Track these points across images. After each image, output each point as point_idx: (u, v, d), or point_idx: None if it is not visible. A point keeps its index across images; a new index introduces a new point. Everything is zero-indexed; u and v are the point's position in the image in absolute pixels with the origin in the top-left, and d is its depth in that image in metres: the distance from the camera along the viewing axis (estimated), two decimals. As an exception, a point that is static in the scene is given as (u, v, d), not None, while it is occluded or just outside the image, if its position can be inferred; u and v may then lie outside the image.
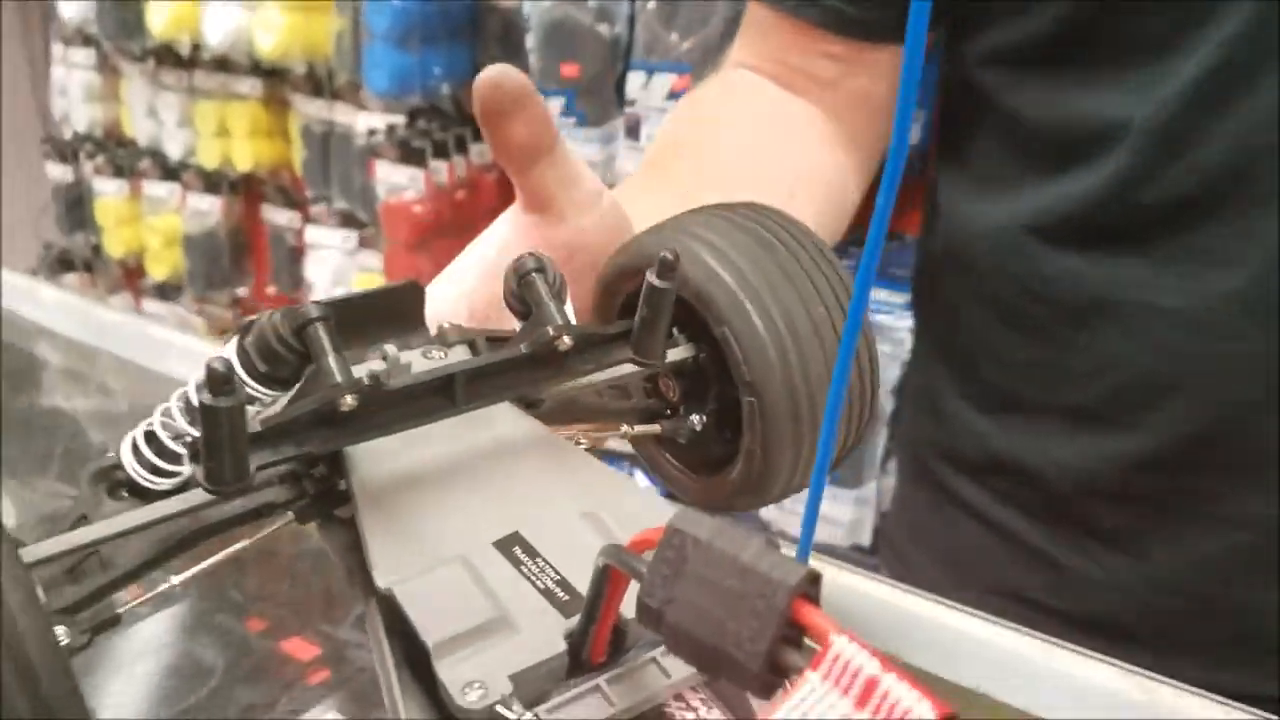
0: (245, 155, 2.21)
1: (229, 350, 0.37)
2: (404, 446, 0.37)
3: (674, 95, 1.49)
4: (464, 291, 0.48)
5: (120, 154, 2.45)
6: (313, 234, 2.20)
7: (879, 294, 1.68)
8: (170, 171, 2.39)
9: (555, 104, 1.59)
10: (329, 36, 1.92)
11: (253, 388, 0.37)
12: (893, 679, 0.21)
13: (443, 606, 0.32)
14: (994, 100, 0.69)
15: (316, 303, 0.36)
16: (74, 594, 0.34)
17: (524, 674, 0.31)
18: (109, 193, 2.46)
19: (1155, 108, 0.61)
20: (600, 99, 1.59)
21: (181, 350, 0.93)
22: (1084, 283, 0.65)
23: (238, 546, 0.37)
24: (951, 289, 0.74)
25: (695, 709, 0.32)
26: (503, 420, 0.39)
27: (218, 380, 0.31)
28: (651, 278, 0.39)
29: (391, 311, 0.39)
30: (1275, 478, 0.61)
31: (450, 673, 0.31)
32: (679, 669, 0.32)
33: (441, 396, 0.38)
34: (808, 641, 0.24)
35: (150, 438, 0.37)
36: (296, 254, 2.26)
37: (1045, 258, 0.66)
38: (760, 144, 0.67)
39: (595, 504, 0.36)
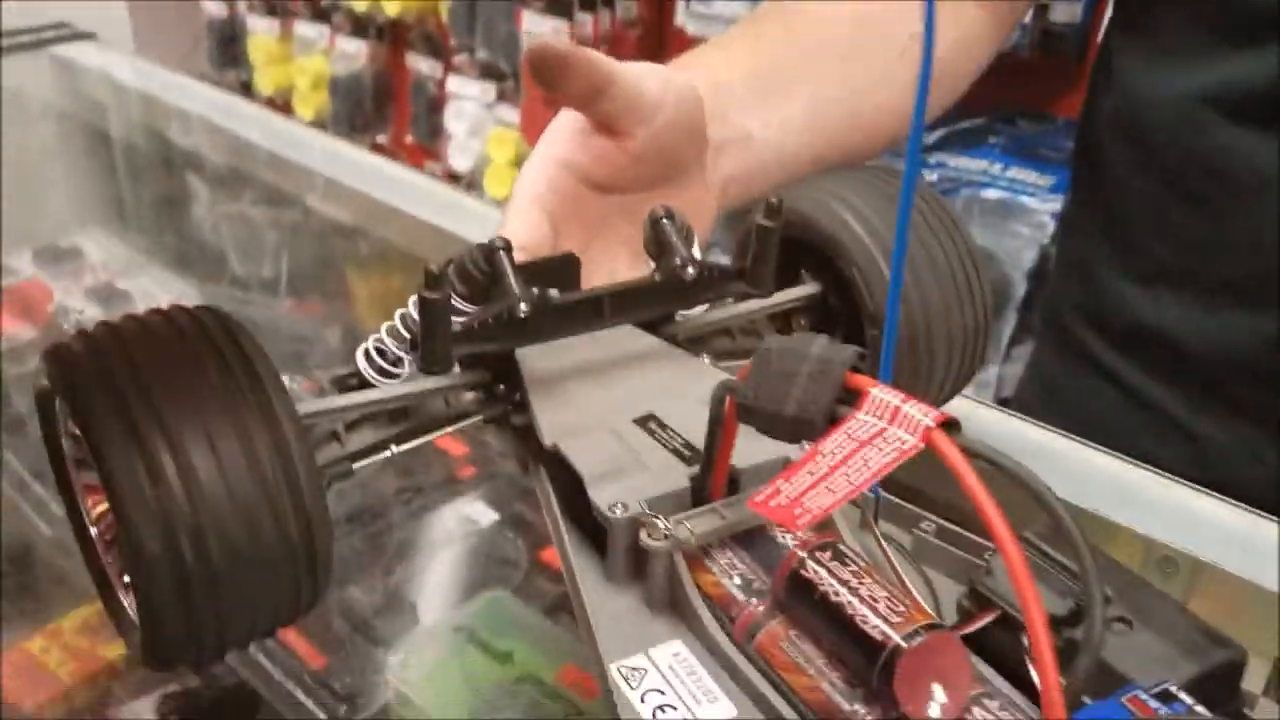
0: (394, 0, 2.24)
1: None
2: (563, 353, 0.45)
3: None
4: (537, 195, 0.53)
5: (273, -7, 2.50)
6: (454, 84, 2.23)
7: (1026, 175, 1.64)
8: (321, 13, 2.43)
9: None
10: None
11: (455, 303, 0.44)
12: (912, 404, 0.28)
13: (594, 457, 0.39)
14: None
15: (502, 237, 0.44)
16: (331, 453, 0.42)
17: (656, 500, 0.37)
18: (261, 30, 2.53)
19: None
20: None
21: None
22: (1257, 160, 0.64)
23: (439, 433, 0.45)
24: (1118, 159, 0.74)
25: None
26: (640, 339, 0.47)
27: (431, 278, 0.39)
28: (759, 219, 0.45)
29: (554, 274, 0.46)
30: None
31: (600, 495, 0.37)
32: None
33: (593, 313, 0.45)
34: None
35: (379, 349, 0.45)
36: (436, 104, 2.31)
37: (1222, 132, 0.66)
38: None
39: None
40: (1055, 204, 1.52)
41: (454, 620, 0.59)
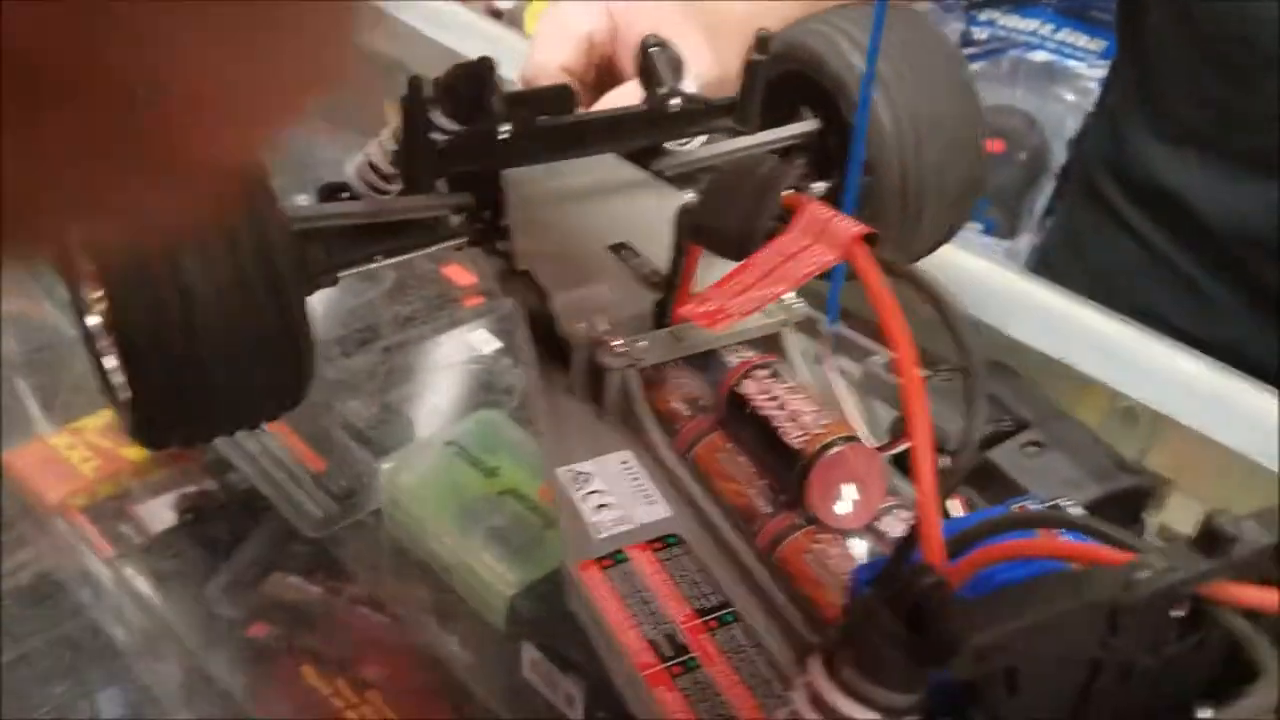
0: None
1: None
2: (548, 179, 0.46)
3: None
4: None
5: None
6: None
7: (1076, 38, 1.58)
8: None
9: None
10: None
11: (443, 122, 0.44)
12: (841, 220, 0.29)
13: (563, 280, 0.41)
14: None
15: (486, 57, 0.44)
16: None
17: (618, 322, 0.39)
18: None
19: None
20: None
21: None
22: None
23: (424, 250, 0.46)
24: (1157, 21, 0.75)
25: (740, 352, 0.38)
26: (625, 171, 0.48)
27: (414, 86, 0.41)
28: (750, 54, 0.45)
29: (548, 102, 0.46)
30: None
31: (564, 315, 0.40)
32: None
33: (576, 139, 0.46)
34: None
35: (371, 164, 0.46)
36: (482, -65, 2.24)
37: (1259, 4, 0.66)
38: None
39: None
40: (1103, 70, 1.47)
41: (446, 435, 0.62)
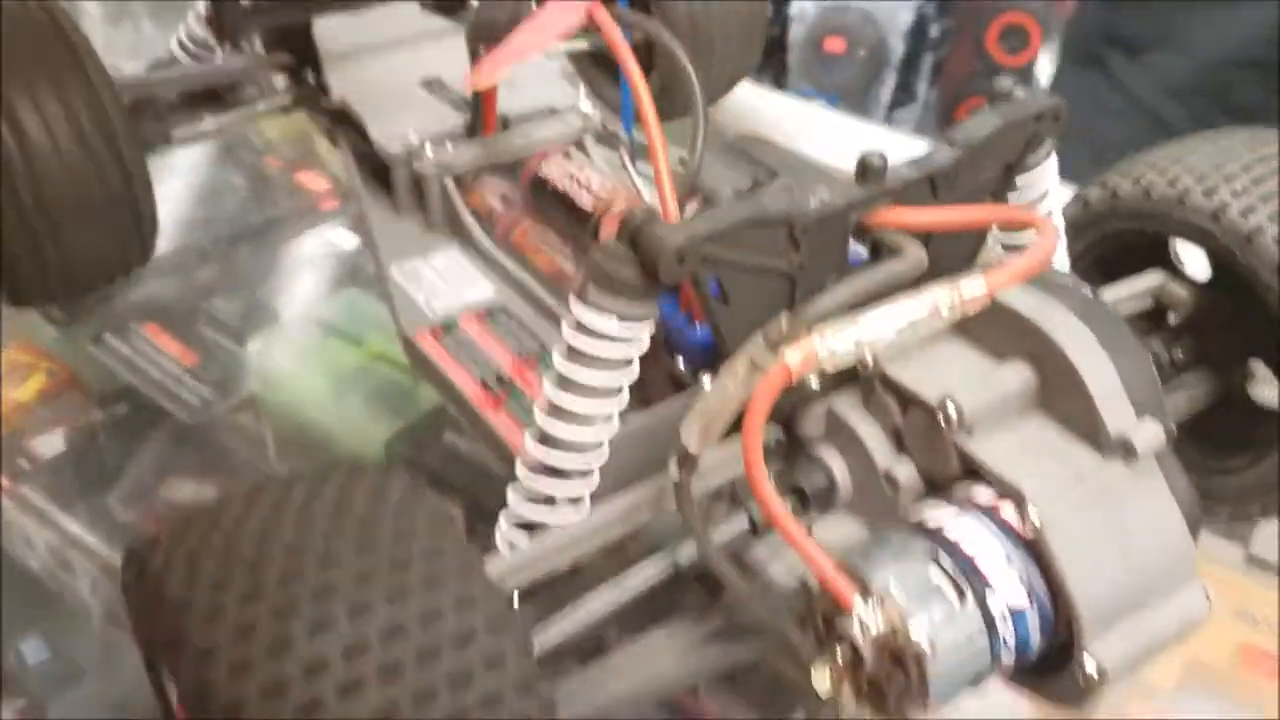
0: None
1: None
2: (359, 31, 0.49)
3: None
4: None
5: None
6: None
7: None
8: None
9: None
10: None
11: None
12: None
13: (380, 110, 0.45)
14: None
15: None
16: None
17: (432, 138, 0.43)
18: None
19: None
20: None
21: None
22: None
23: (256, 108, 0.51)
24: None
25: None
26: (432, 20, 0.51)
27: None
28: None
29: None
30: None
31: (381, 136, 0.44)
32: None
33: None
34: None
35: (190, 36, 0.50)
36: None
37: None
38: None
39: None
40: (909, 16, 1.55)
41: (314, 315, 0.66)
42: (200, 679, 0.22)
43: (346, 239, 0.77)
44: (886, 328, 0.25)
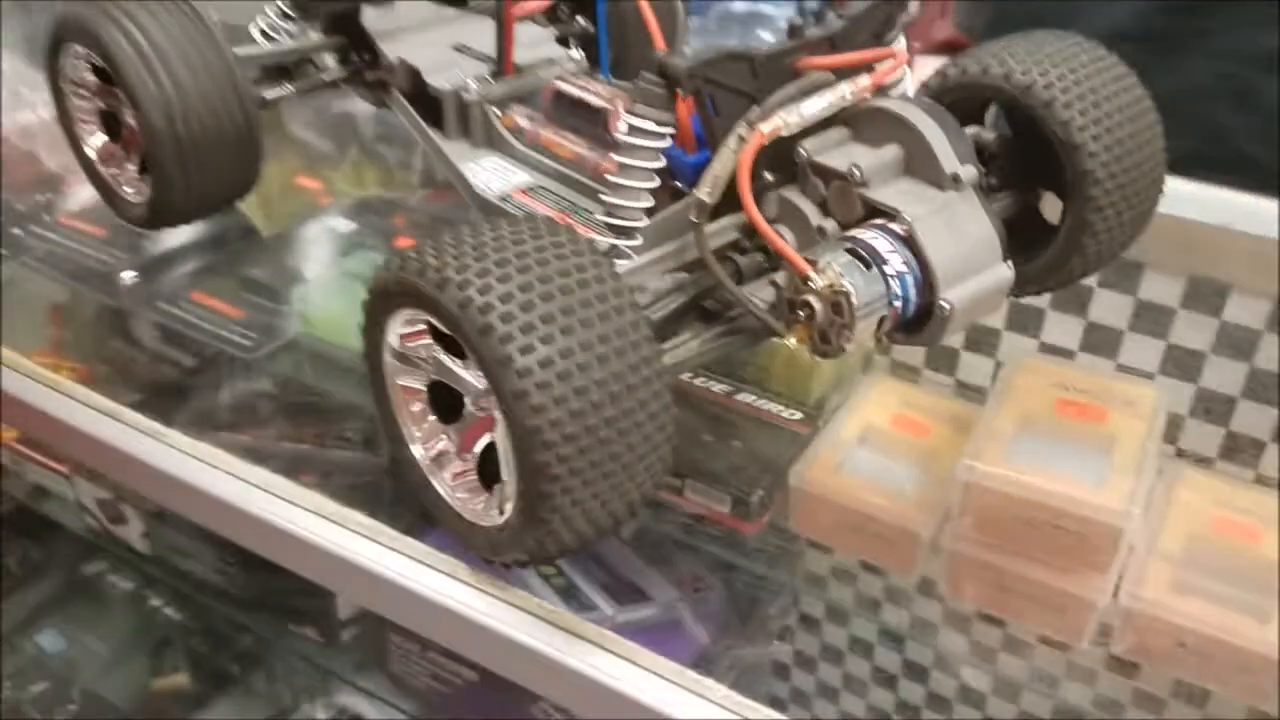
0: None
1: None
2: (401, 18, 0.65)
3: None
4: None
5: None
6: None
7: (765, -6, 1.90)
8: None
9: None
10: None
11: None
12: None
13: (427, 63, 0.62)
14: None
15: None
16: None
17: (470, 79, 0.59)
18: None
19: None
20: None
21: None
22: None
23: (319, 79, 0.67)
24: None
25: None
26: (444, 10, 0.66)
27: None
28: None
29: None
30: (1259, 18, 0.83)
31: (433, 80, 0.61)
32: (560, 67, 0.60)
33: None
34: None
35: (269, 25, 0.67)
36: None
37: None
38: None
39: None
40: (791, 9, 1.79)
41: (339, 269, 0.82)
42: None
43: (344, 224, 0.93)
44: (814, 107, 0.44)
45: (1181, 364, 0.71)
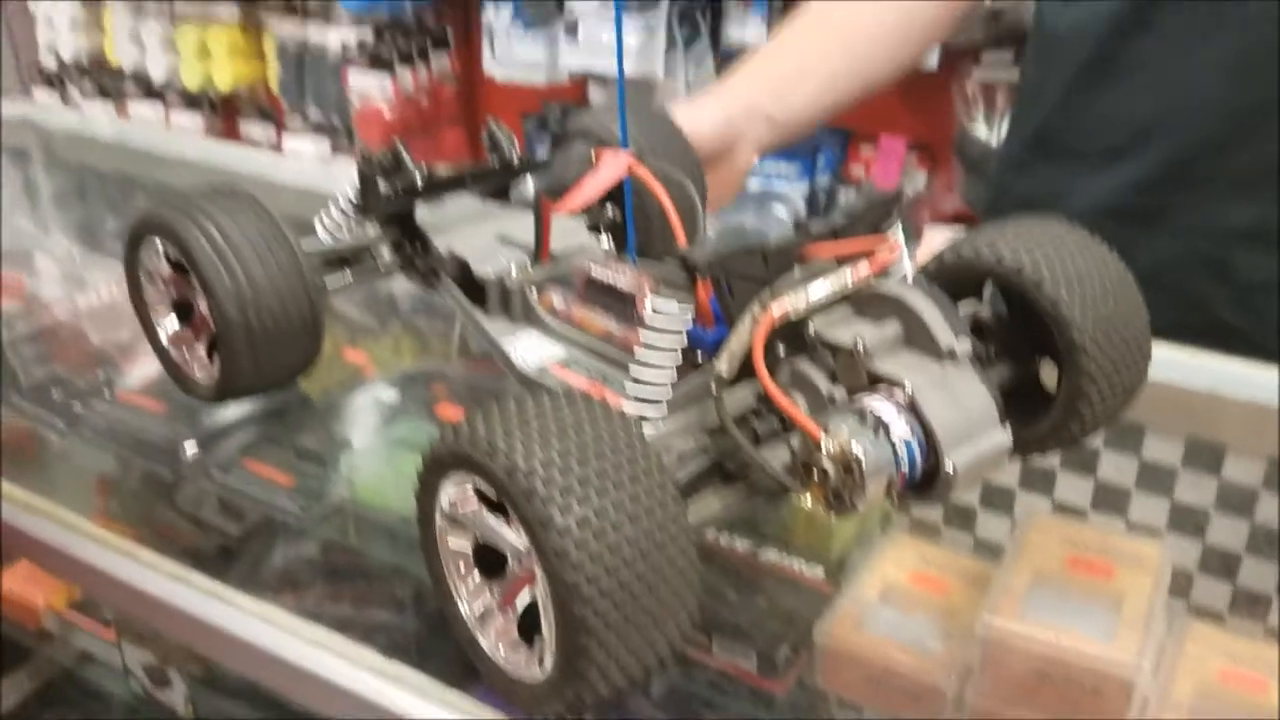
0: (225, 76, 2.48)
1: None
2: (447, 213, 0.74)
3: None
4: None
5: (105, 78, 2.70)
6: (290, 142, 2.49)
7: (778, 167, 2.00)
8: (153, 92, 2.65)
9: (505, 10, 1.90)
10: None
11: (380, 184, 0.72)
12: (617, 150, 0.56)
13: (474, 253, 0.69)
14: None
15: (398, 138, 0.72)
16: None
17: (512, 267, 0.66)
18: (95, 112, 2.72)
19: None
20: (543, 6, 1.90)
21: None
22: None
23: (375, 267, 0.75)
24: (1040, 69, 1.03)
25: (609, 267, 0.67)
26: (493, 206, 0.75)
27: (363, 158, 0.69)
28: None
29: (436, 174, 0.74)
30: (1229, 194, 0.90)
31: (480, 269, 0.68)
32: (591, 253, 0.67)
33: (459, 183, 0.75)
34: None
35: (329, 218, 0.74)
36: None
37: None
38: None
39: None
40: (803, 186, 1.90)
41: (386, 437, 0.87)
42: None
43: (388, 393, 0.99)
44: (819, 291, 0.49)
45: (1187, 521, 0.74)
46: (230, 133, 2.65)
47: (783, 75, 0.98)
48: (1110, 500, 0.77)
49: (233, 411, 0.95)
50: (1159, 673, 0.63)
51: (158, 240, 0.67)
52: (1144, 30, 0.92)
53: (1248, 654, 0.66)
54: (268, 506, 0.85)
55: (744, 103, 0.94)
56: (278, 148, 2.54)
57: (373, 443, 0.90)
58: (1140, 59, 0.93)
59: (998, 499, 0.81)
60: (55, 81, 2.79)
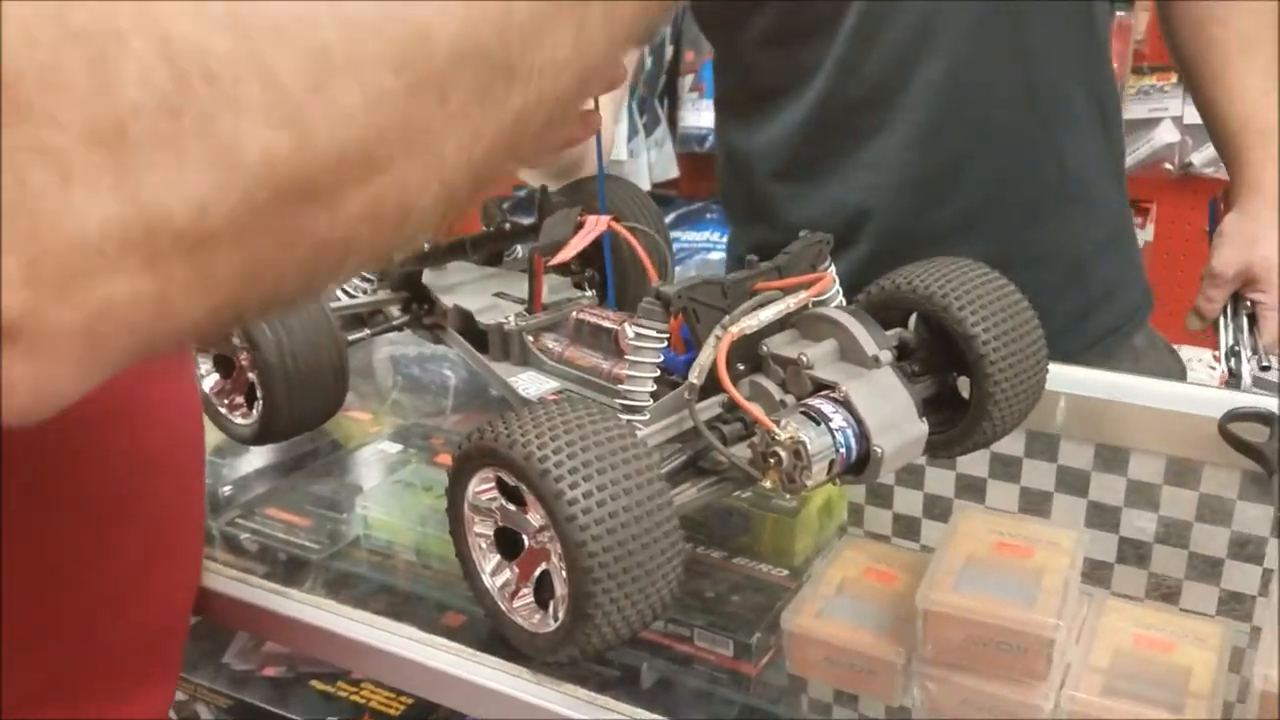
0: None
1: None
2: (451, 277, 0.86)
3: None
4: None
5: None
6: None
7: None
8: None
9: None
10: None
11: None
12: (600, 218, 0.68)
13: (475, 306, 0.81)
14: None
15: None
16: None
17: (511, 317, 0.78)
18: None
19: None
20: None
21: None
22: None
23: (386, 327, 0.86)
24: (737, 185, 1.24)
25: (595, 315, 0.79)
26: (491, 269, 0.88)
27: None
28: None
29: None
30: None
31: (482, 319, 0.78)
32: (579, 302, 0.79)
33: (462, 249, 0.87)
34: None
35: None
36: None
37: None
38: None
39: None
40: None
41: (394, 479, 0.97)
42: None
43: (392, 446, 1.09)
44: (768, 314, 0.61)
45: (1103, 517, 0.86)
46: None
47: None
48: (1035, 503, 0.89)
49: (251, 465, 1.05)
50: (1080, 641, 0.74)
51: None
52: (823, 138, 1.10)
53: (1157, 620, 0.77)
54: (290, 545, 0.95)
55: None
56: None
57: (383, 485, 1.00)
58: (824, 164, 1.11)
59: (937, 508, 0.92)
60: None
